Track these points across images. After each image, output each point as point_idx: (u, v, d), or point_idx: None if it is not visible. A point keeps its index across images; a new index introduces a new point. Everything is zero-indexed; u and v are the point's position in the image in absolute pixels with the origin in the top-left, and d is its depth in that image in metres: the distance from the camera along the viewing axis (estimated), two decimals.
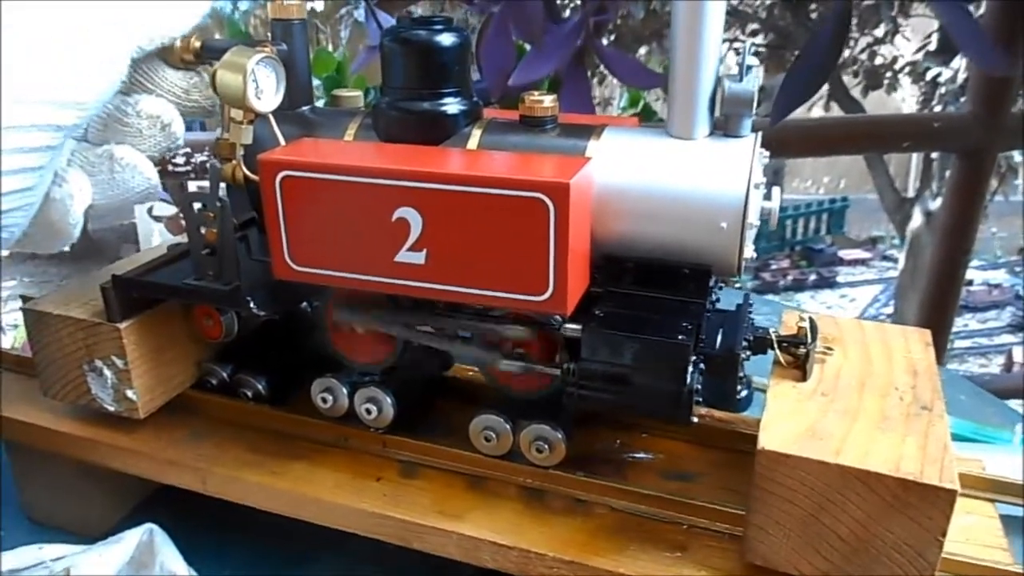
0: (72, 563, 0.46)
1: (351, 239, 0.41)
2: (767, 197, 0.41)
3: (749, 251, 0.40)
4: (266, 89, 0.43)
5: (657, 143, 0.41)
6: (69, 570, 0.45)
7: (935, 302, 1.85)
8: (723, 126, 0.40)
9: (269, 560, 0.54)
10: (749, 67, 0.39)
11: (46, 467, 0.55)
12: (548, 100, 0.42)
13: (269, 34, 0.46)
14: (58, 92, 0.36)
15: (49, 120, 0.36)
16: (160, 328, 0.50)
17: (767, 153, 0.40)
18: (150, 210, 1.32)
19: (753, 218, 0.39)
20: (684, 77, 0.39)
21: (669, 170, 0.40)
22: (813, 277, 4.37)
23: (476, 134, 0.43)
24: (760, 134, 0.40)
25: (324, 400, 0.49)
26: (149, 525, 0.49)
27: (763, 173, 0.40)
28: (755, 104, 0.39)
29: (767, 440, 0.37)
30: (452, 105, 0.43)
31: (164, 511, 0.52)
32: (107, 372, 0.49)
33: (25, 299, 0.51)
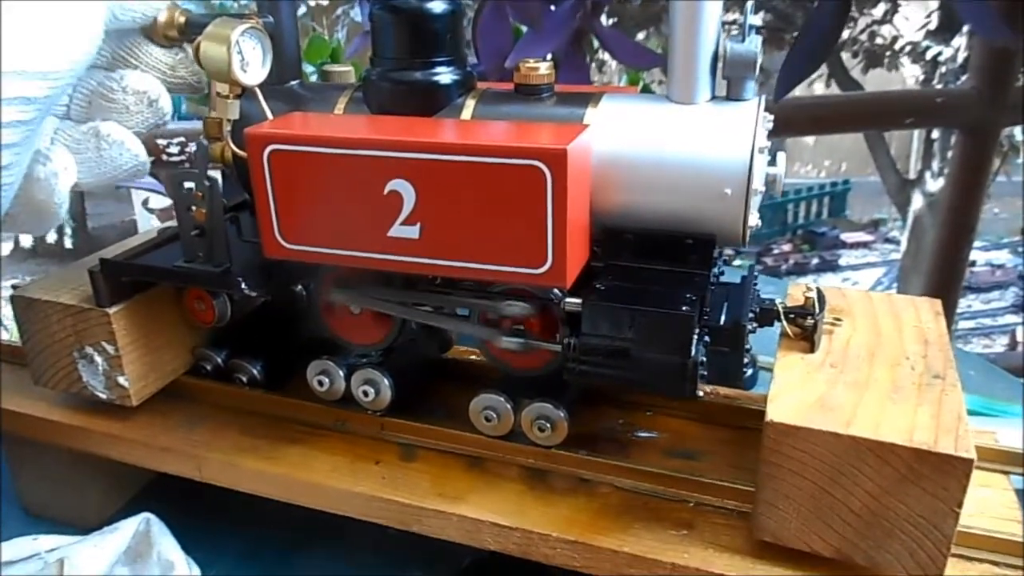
0: (67, 554, 0.45)
1: (343, 214, 0.40)
2: (771, 163, 0.40)
3: (754, 219, 0.39)
4: (252, 61, 0.41)
5: (657, 109, 0.39)
6: (63, 561, 0.44)
7: (938, 283, 1.84)
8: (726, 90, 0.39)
9: (268, 548, 0.53)
10: (752, 27, 0.37)
11: (41, 458, 0.54)
12: (544, 68, 0.41)
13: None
14: (25, 61, 0.35)
15: (17, 92, 0.35)
16: (151, 313, 0.49)
17: (771, 117, 0.39)
18: (145, 202, 1.31)
19: (758, 184, 0.38)
20: (685, 39, 0.38)
21: (670, 136, 0.38)
22: (815, 261, 4.35)
23: (470, 104, 0.42)
24: (764, 97, 0.39)
25: (320, 383, 0.48)
26: (146, 515, 0.48)
27: (767, 138, 0.39)
28: (758, 66, 0.37)
29: (775, 412, 0.36)
30: (445, 75, 0.42)
31: (161, 501, 0.51)
32: (98, 359, 0.48)
33: (16, 287, 0.50)
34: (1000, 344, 3.52)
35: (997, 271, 4.10)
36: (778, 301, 0.43)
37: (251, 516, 0.51)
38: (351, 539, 0.52)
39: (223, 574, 0.50)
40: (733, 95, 0.39)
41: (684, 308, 0.37)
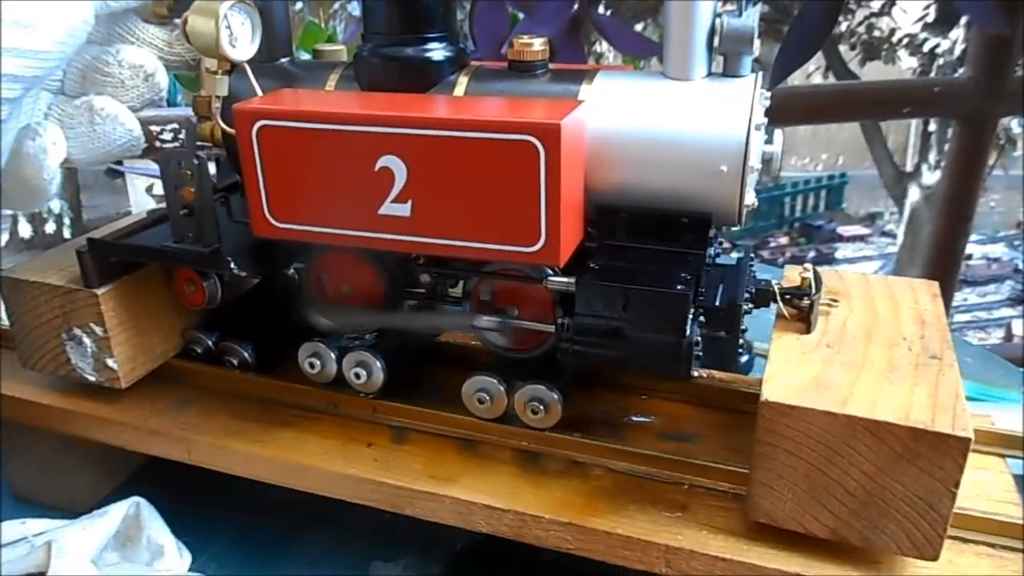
0: (55, 537, 0.44)
1: (333, 192, 0.39)
2: (768, 141, 0.39)
3: (750, 197, 0.38)
4: (241, 37, 0.41)
5: (653, 85, 0.39)
6: (51, 544, 0.44)
7: (935, 276, 1.83)
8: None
9: (259, 533, 0.52)
10: (748, 2, 0.37)
11: (30, 441, 0.53)
12: (538, 44, 0.40)
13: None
14: (15, 40, 0.34)
15: (7, 70, 0.35)
16: (140, 295, 0.49)
17: (768, 94, 0.39)
18: (150, 188, 1.30)
19: (754, 161, 0.37)
20: (680, 14, 0.37)
21: (666, 113, 0.38)
22: (812, 254, 4.35)
23: (463, 81, 0.41)
24: (761, 73, 0.38)
25: (312, 365, 0.48)
26: (135, 498, 0.48)
27: (764, 114, 0.38)
28: (755, 41, 0.37)
29: (771, 392, 0.35)
30: (437, 51, 0.41)
31: (152, 485, 0.51)
32: (86, 340, 0.47)
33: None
34: (996, 337, 3.53)
35: (993, 264, 4.11)
36: (774, 282, 0.43)
37: (243, 501, 0.50)
38: (344, 524, 0.51)
39: (214, 559, 0.50)
40: (729, 71, 0.38)
41: (679, 287, 0.37)
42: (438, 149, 0.36)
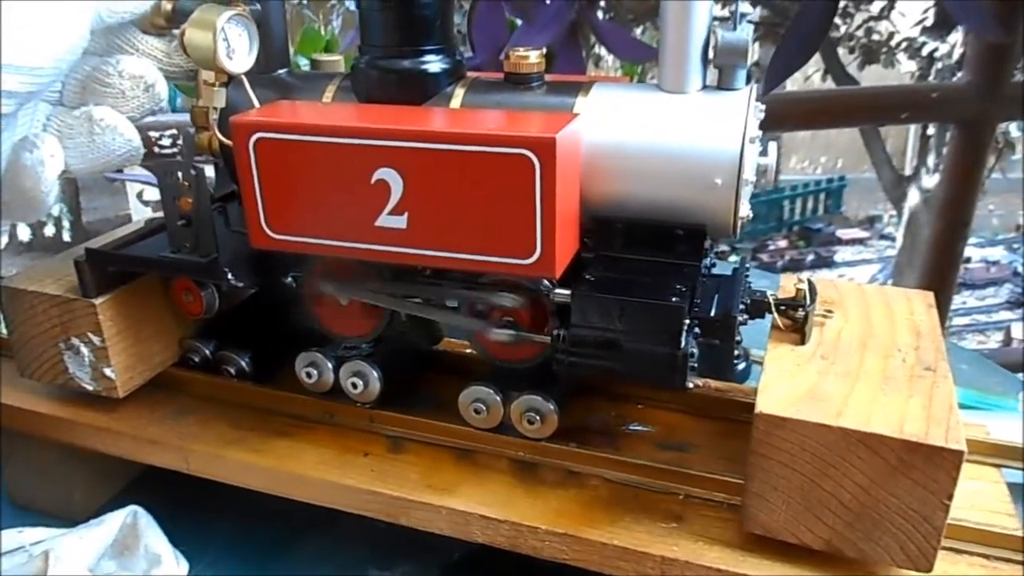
0: (52, 546, 0.44)
1: (330, 204, 0.39)
2: (763, 153, 0.39)
3: (745, 209, 0.39)
4: (238, 49, 0.41)
5: (648, 98, 0.39)
6: (49, 553, 0.44)
7: (933, 279, 1.83)
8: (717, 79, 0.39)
9: (256, 541, 0.52)
10: (743, 15, 0.37)
11: (29, 450, 0.53)
12: (534, 56, 0.40)
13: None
14: (10, 56, 0.35)
15: (3, 86, 0.35)
16: (138, 304, 0.49)
17: (763, 107, 0.39)
18: (140, 195, 1.30)
19: (749, 174, 0.38)
20: (676, 27, 0.37)
21: (661, 125, 0.38)
22: (811, 257, 4.37)
23: (459, 93, 0.41)
24: (755, 86, 0.38)
25: (309, 375, 0.48)
26: (133, 507, 0.48)
27: (759, 126, 0.39)
28: (749, 54, 0.37)
29: (765, 403, 0.35)
30: (434, 63, 0.41)
31: (150, 494, 0.51)
32: (84, 350, 0.48)
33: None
34: (995, 340, 3.54)
35: (992, 268, 4.11)
36: (769, 293, 0.43)
37: (241, 509, 0.50)
38: (341, 531, 0.51)
39: (211, 567, 0.50)
40: (724, 84, 0.39)
41: (674, 299, 0.37)
42: (434, 162, 0.36)
